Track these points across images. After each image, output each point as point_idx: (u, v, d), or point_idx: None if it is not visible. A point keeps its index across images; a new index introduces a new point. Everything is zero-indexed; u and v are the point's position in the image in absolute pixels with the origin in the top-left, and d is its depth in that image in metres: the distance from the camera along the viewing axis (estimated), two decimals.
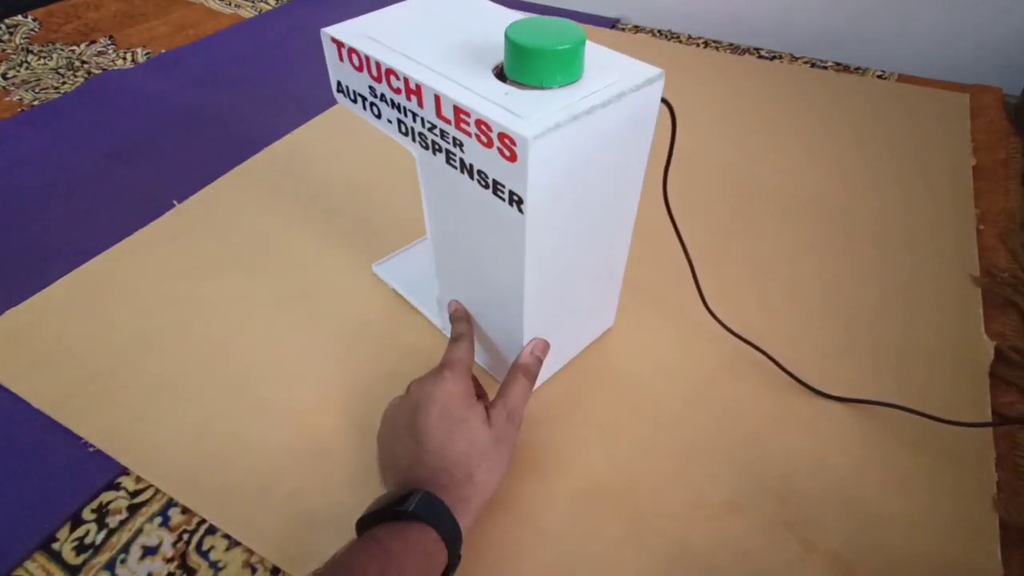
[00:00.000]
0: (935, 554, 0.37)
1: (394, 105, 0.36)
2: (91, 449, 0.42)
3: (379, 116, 0.38)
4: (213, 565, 0.37)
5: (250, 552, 0.37)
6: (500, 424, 0.37)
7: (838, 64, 0.87)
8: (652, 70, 0.33)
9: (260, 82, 0.85)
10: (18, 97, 0.80)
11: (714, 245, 0.57)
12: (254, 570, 0.37)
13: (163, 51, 0.92)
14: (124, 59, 0.90)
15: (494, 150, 0.30)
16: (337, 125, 0.75)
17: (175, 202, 0.63)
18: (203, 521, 0.39)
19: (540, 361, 0.41)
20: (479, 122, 0.30)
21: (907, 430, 0.43)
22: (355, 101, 0.39)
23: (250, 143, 0.71)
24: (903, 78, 0.83)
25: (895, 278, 0.55)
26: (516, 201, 0.31)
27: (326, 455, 0.41)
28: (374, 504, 0.33)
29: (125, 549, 0.38)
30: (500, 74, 0.33)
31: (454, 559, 0.32)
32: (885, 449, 0.42)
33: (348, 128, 0.74)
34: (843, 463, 0.41)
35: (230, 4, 1.06)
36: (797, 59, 0.89)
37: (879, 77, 0.84)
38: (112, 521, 0.39)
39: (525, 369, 0.40)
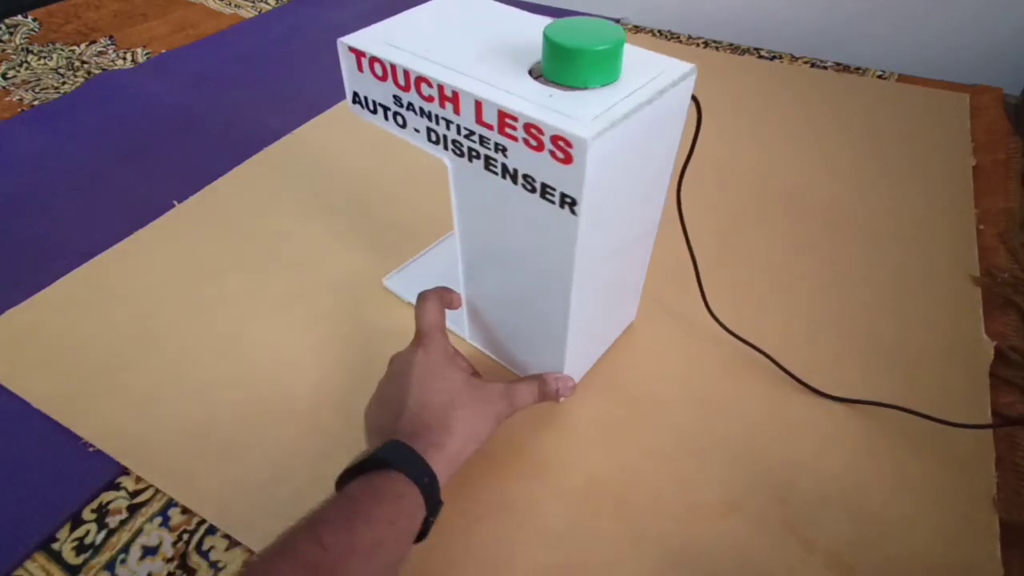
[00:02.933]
0: (935, 554, 0.37)
1: (424, 114, 0.35)
2: (91, 449, 0.42)
3: (404, 126, 0.37)
4: (213, 565, 0.37)
5: (250, 552, 0.37)
6: (493, 393, 0.38)
7: (838, 64, 0.87)
8: (684, 66, 0.34)
9: (260, 82, 0.85)
10: (18, 97, 0.80)
11: (713, 245, 0.57)
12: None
13: (163, 51, 0.92)
14: (124, 59, 0.90)
15: (544, 153, 0.30)
16: (338, 125, 0.75)
17: (175, 202, 0.63)
18: (203, 521, 0.39)
19: (558, 393, 0.42)
20: (529, 126, 0.30)
21: (907, 430, 0.43)
22: (375, 112, 0.38)
23: (250, 143, 0.71)
24: (903, 78, 0.83)
25: (895, 278, 0.55)
26: (568, 203, 0.31)
27: (327, 455, 0.41)
28: (350, 463, 0.33)
29: (125, 549, 0.38)
30: (535, 76, 0.33)
31: (433, 503, 0.32)
32: (885, 449, 0.42)
33: (349, 128, 0.74)
34: (843, 464, 0.41)
35: (230, 4, 1.06)
36: (797, 59, 0.89)
37: (879, 77, 0.84)
38: (112, 521, 0.39)
39: (545, 388, 0.41)
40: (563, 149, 0.29)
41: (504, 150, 0.32)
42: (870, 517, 0.39)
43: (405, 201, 0.62)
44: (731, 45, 0.92)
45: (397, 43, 0.35)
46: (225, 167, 0.67)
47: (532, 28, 0.36)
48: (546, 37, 0.31)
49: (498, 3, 0.40)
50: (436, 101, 0.33)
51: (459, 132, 0.34)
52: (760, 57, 0.89)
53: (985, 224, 0.60)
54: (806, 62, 0.88)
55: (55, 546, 0.38)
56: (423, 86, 0.33)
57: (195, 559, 0.37)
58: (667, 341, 0.49)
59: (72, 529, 0.39)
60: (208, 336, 0.50)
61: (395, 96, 0.36)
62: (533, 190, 0.32)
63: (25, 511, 0.39)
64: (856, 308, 0.52)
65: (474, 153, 0.34)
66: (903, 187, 0.65)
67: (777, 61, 0.88)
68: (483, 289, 0.44)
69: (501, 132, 0.31)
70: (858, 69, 0.86)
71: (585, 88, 0.31)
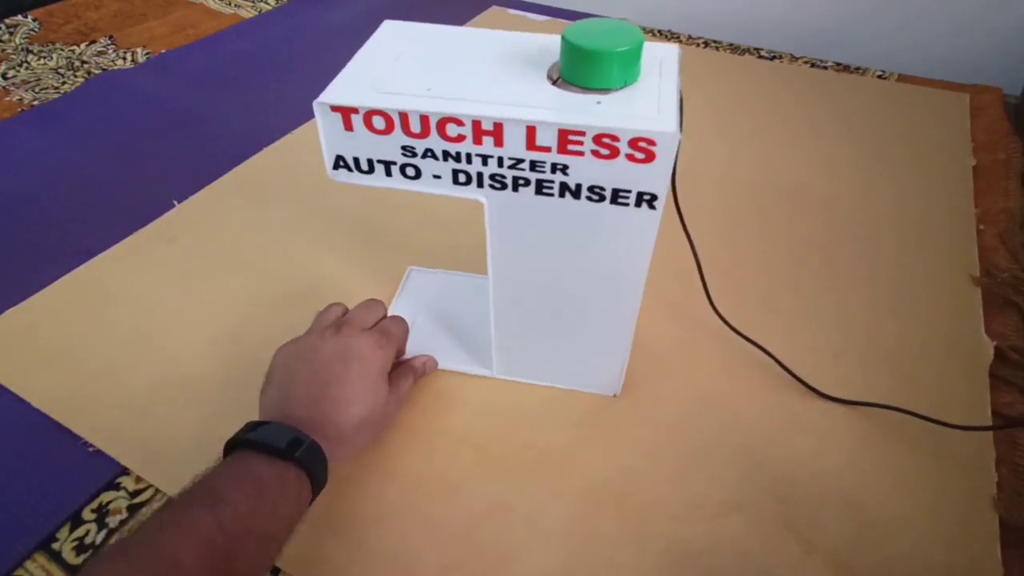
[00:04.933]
0: (935, 554, 0.37)
1: (449, 157, 0.32)
2: (91, 449, 0.42)
3: (418, 176, 0.34)
4: None
5: None
6: (392, 409, 0.40)
7: (838, 64, 0.87)
8: (671, 48, 0.35)
9: (260, 82, 0.84)
10: (18, 97, 0.80)
11: (713, 245, 0.56)
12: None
13: (163, 51, 0.91)
14: (124, 59, 0.90)
15: (619, 159, 0.30)
16: None
17: (175, 202, 0.63)
18: None
19: (422, 372, 0.45)
20: (600, 136, 0.29)
21: (907, 430, 0.43)
22: (371, 171, 0.34)
23: (250, 143, 0.71)
24: (903, 78, 0.83)
25: (895, 278, 0.55)
26: (647, 200, 0.31)
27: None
28: (250, 427, 0.34)
29: None
30: (554, 84, 0.32)
31: (310, 504, 0.34)
32: (885, 449, 0.42)
33: None
34: (843, 464, 0.41)
35: (230, 4, 1.06)
36: (797, 59, 0.89)
37: (879, 77, 0.84)
38: (112, 521, 0.39)
39: (416, 372, 0.44)
40: (644, 149, 0.29)
41: (564, 168, 0.31)
42: (870, 517, 0.39)
43: (405, 201, 0.62)
44: (731, 45, 0.92)
45: (391, 88, 0.32)
46: (225, 167, 0.67)
47: (506, 42, 0.36)
48: (579, 46, 0.30)
49: (444, 26, 0.38)
50: (468, 139, 0.31)
51: (500, 164, 0.32)
52: (760, 57, 0.89)
53: (985, 224, 0.60)
54: (806, 62, 0.88)
55: (55, 546, 0.38)
56: (449, 127, 0.31)
57: None
58: (667, 340, 0.49)
59: (72, 529, 0.39)
60: (208, 336, 0.50)
61: (405, 147, 0.32)
62: (601, 199, 0.32)
63: (25, 511, 0.39)
64: (856, 308, 0.52)
65: (521, 181, 0.32)
66: (903, 187, 0.65)
67: (777, 61, 0.88)
68: (525, 319, 0.41)
69: (561, 151, 0.30)
70: (858, 69, 0.86)
71: (619, 88, 0.31)
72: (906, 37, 0.89)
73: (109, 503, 0.40)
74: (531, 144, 0.30)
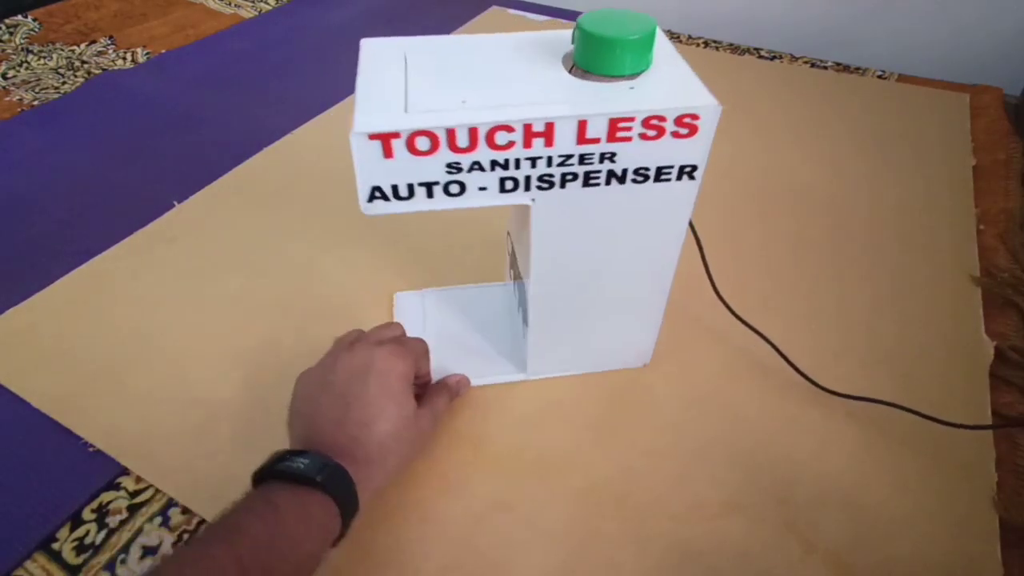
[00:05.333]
0: (935, 554, 0.37)
1: (496, 166, 0.31)
2: (91, 449, 0.42)
3: (462, 192, 0.32)
4: None
5: None
6: (424, 424, 0.38)
7: (838, 64, 0.87)
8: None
9: (260, 82, 0.84)
10: (18, 97, 0.80)
11: (713, 245, 0.56)
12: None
13: (163, 51, 0.91)
14: (124, 59, 0.90)
15: (665, 138, 0.31)
16: (338, 125, 0.75)
17: (175, 202, 0.63)
18: (203, 521, 0.39)
19: (459, 392, 0.44)
20: (649, 119, 0.30)
21: (907, 430, 0.43)
22: (410, 197, 0.32)
23: (250, 143, 0.71)
24: (903, 78, 0.83)
25: (895, 278, 0.55)
26: (688, 172, 0.33)
27: None
28: (276, 457, 0.32)
29: (125, 549, 0.38)
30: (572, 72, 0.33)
31: (344, 530, 0.32)
32: (885, 450, 0.42)
33: (348, 128, 0.73)
34: (843, 464, 0.41)
35: (230, 4, 1.06)
36: (797, 59, 0.89)
37: (879, 77, 0.84)
38: (112, 521, 0.39)
39: (451, 391, 0.42)
40: (688, 125, 0.31)
41: (612, 156, 0.32)
42: (870, 517, 0.39)
43: None
44: (731, 45, 0.92)
45: (426, 106, 0.31)
46: (225, 167, 0.67)
47: (501, 44, 0.36)
48: (606, 36, 0.31)
49: (426, 37, 0.37)
50: (518, 144, 0.31)
51: (549, 164, 0.32)
52: (760, 57, 0.89)
53: (985, 224, 0.60)
54: (806, 62, 0.88)
55: (55, 546, 0.38)
56: (498, 135, 0.30)
57: None
58: (667, 341, 0.49)
59: (72, 529, 0.39)
60: (208, 336, 0.50)
61: (450, 165, 0.31)
62: (645, 179, 0.33)
63: (25, 511, 0.39)
64: (856, 308, 0.52)
65: (569, 177, 0.33)
66: (903, 187, 0.65)
67: (777, 61, 0.88)
68: (564, 312, 0.41)
69: (610, 140, 0.31)
70: (858, 69, 0.86)
71: (637, 74, 0.32)
72: (906, 37, 0.89)
73: (109, 503, 0.40)
74: (581, 138, 0.31)
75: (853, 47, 0.91)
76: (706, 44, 0.92)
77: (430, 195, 0.32)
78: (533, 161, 0.31)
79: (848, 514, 0.39)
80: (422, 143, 0.30)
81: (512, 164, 0.31)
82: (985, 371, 0.47)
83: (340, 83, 0.81)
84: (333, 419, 0.34)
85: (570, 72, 0.33)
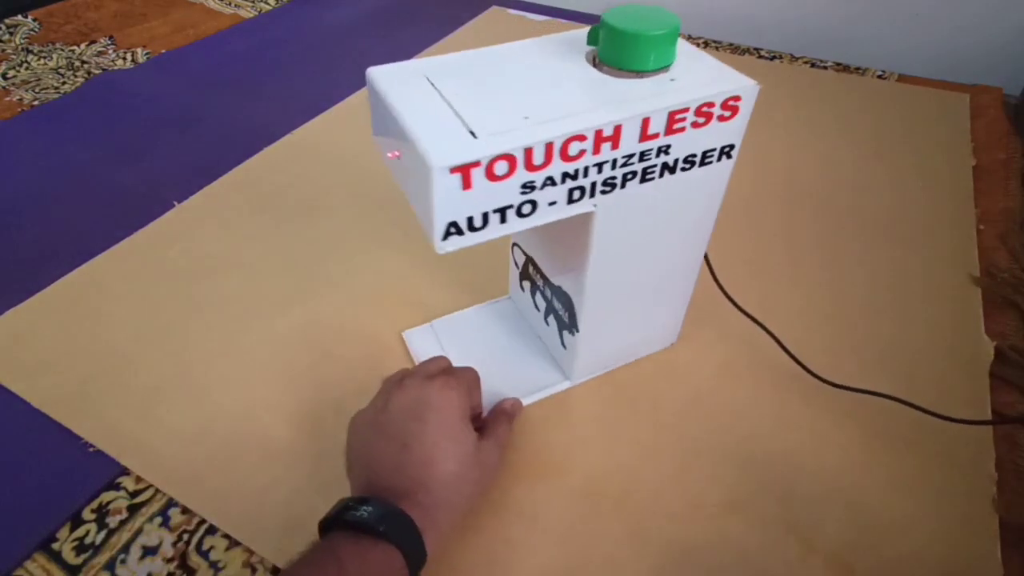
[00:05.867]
0: (935, 554, 0.37)
1: (567, 177, 0.31)
2: (91, 449, 0.42)
3: (533, 210, 0.31)
4: (213, 565, 0.37)
5: (250, 552, 0.37)
6: (489, 457, 0.36)
7: (838, 64, 0.87)
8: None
9: (260, 82, 0.85)
10: (18, 97, 0.80)
11: (712, 244, 0.57)
12: (254, 570, 0.37)
13: (163, 51, 0.92)
14: (124, 59, 0.90)
15: (712, 123, 0.33)
16: (337, 125, 0.75)
17: (175, 202, 0.63)
18: (203, 521, 0.39)
19: (515, 414, 0.42)
20: (701, 108, 0.32)
21: (908, 430, 0.43)
22: (484, 226, 0.30)
23: (250, 143, 0.71)
24: (903, 78, 0.83)
25: (895, 278, 0.55)
26: (726, 152, 0.35)
27: (326, 455, 0.41)
28: (340, 506, 0.31)
29: (125, 549, 0.38)
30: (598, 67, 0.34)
31: None
32: (885, 449, 0.42)
33: (348, 128, 0.74)
34: (843, 464, 0.41)
35: (230, 4, 1.06)
36: (797, 59, 0.89)
37: (879, 77, 0.84)
38: (112, 521, 0.39)
39: (509, 416, 0.41)
40: (731, 107, 0.32)
41: (667, 149, 0.33)
42: (870, 517, 0.39)
43: (406, 200, 0.62)
44: (731, 45, 0.92)
45: (492, 129, 0.29)
46: (225, 167, 0.67)
47: (519, 53, 0.35)
48: (642, 33, 0.31)
49: (434, 57, 0.35)
50: (588, 152, 0.30)
51: (613, 166, 0.32)
52: (760, 57, 0.89)
53: (985, 224, 0.60)
54: (806, 62, 0.88)
55: (55, 546, 0.38)
56: (572, 145, 0.29)
57: (195, 559, 0.37)
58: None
59: (72, 529, 0.39)
60: (208, 336, 0.50)
61: (525, 185, 0.30)
62: (692, 165, 0.34)
63: (25, 511, 0.39)
64: (855, 307, 0.52)
65: (630, 176, 0.33)
66: (903, 187, 0.65)
67: (777, 61, 0.88)
68: (612, 309, 0.41)
69: (668, 133, 0.32)
70: (858, 69, 0.86)
71: (673, 63, 0.33)
72: (906, 37, 0.88)
73: (109, 503, 0.40)
74: (643, 135, 0.31)
75: (853, 47, 0.91)
76: (706, 44, 0.92)
77: (503, 220, 0.31)
78: (600, 167, 0.31)
79: (848, 514, 0.39)
80: (500, 168, 0.28)
81: (581, 173, 0.31)
82: (985, 371, 0.47)
83: (340, 83, 0.81)
84: (392, 463, 0.33)
85: (601, 72, 0.33)
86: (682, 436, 0.43)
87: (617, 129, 0.30)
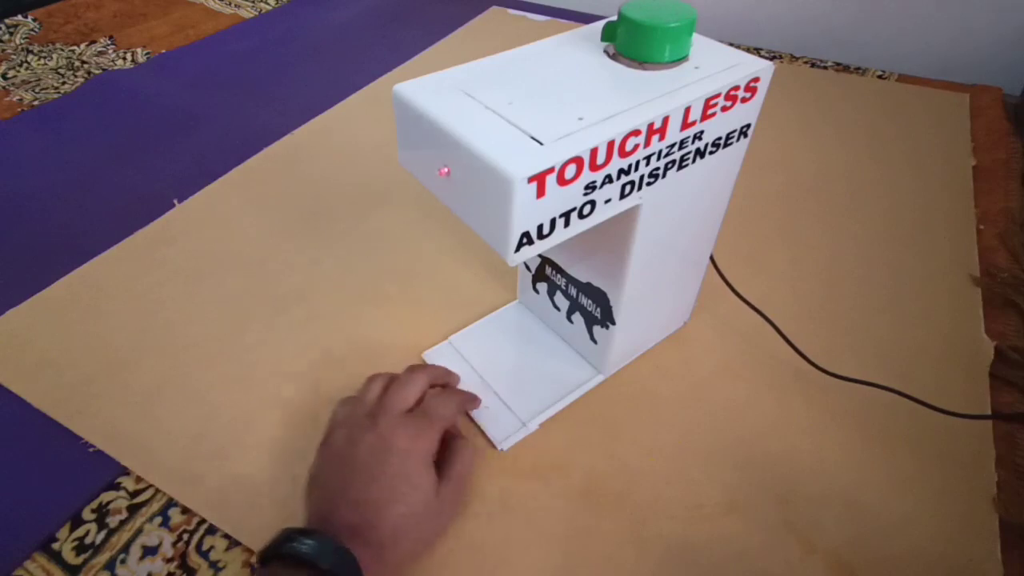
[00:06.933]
0: (935, 554, 0.37)
1: (622, 174, 0.31)
2: (91, 449, 0.42)
3: (592, 210, 0.31)
4: (213, 565, 0.37)
5: (250, 552, 0.37)
6: (448, 497, 0.36)
7: (838, 64, 0.87)
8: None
9: (260, 82, 0.85)
10: (18, 97, 0.80)
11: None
12: (254, 570, 0.37)
13: (163, 51, 0.92)
14: (124, 59, 0.90)
15: (737, 104, 0.34)
16: (337, 126, 0.75)
17: (175, 202, 0.63)
18: (203, 521, 0.39)
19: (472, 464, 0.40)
20: (729, 92, 0.33)
21: (908, 430, 0.43)
22: (551, 232, 0.30)
23: (250, 143, 0.71)
24: (903, 78, 0.83)
25: (895, 278, 0.55)
26: (743, 131, 0.37)
27: None
28: (282, 536, 0.31)
29: (125, 549, 0.38)
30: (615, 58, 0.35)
31: None
32: (885, 449, 0.42)
33: (348, 129, 0.74)
34: (843, 463, 0.41)
35: (230, 4, 1.06)
36: (797, 59, 0.89)
37: (879, 77, 0.84)
38: (112, 521, 0.39)
39: (467, 441, 0.40)
40: (752, 88, 0.34)
41: (700, 135, 0.34)
42: (870, 517, 0.39)
43: (406, 201, 0.62)
44: (731, 45, 0.92)
45: (555, 134, 0.29)
46: (225, 167, 0.67)
47: (540, 55, 0.35)
48: (668, 26, 0.32)
49: (460, 67, 0.34)
50: (641, 146, 0.31)
51: (659, 157, 0.32)
52: (760, 57, 0.89)
53: (985, 224, 0.60)
54: (806, 62, 0.88)
55: (55, 546, 0.38)
56: (629, 141, 0.30)
57: (195, 559, 0.37)
58: (668, 341, 0.49)
59: (72, 529, 0.39)
60: (208, 336, 0.50)
61: (587, 186, 0.30)
62: (717, 147, 0.36)
63: (25, 511, 0.39)
64: (855, 307, 0.52)
65: (671, 165, 0.33)
66: (903, 187, 0.65)
67: (777, 61, 0.88)
68: (643, 298, 0.42)
69: (703, 119, 0.33)
70: (858, 69, 0.86)
71: (684, 58, 0.34)
72: (906, 37, 0.88)
73: (109, 503, 0.40)
74: (685, 124, 0.32)
75: (853, 47, 0.91)
76: None
77: (567, 224, 0.31)
78: (648, 159, 0.32)
79: (848, 514, 0.39)
80: (570, 171, 0.28)
81: (633, 168, 0.31)
82: (985, 371, 0.47)
83: (340, 83, 0.81)
84: (349, 498, 0.33)
85: (626, 66, 0.34)
86: (682, 435, 0.43)
87: (666, 120, 0.31)
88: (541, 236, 0.30)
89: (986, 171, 0.66)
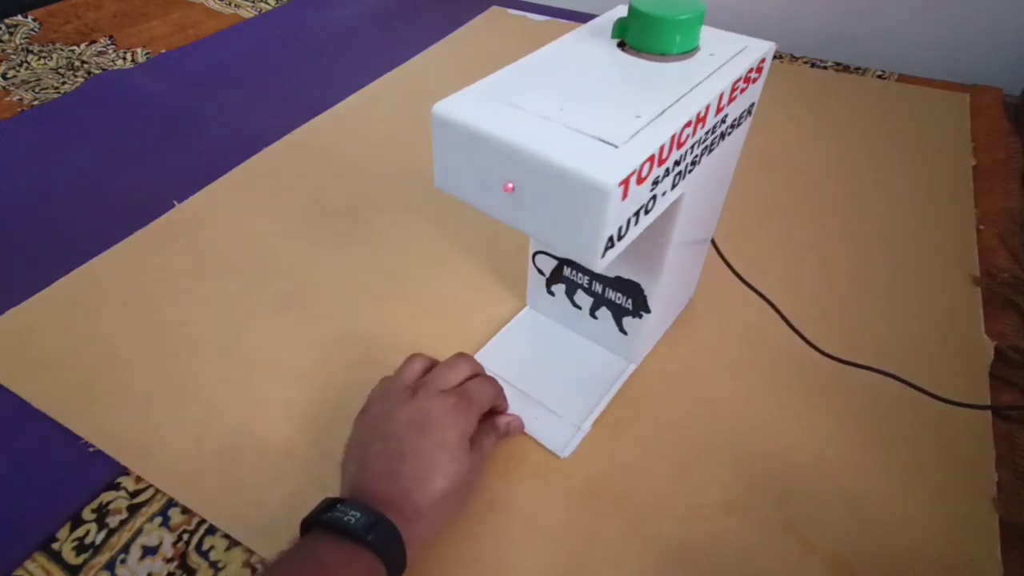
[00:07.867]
0: (935, 554, 0.37)
1: (676, 165, 0.31)
2: (91, 449, 0.42)
3: (653, 206, 0.31)
4: (213, 565, 0.37)
5: (250, 552, 0.37)
6: (476, 469, 0.36)
7: (838, 64, 0.87)
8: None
9: (260, 82, 0.85)
10: (18, 97, 0.80)
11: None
12: (254, 570, 0.37)
13: (163, 51, 0.92)
14: (124, 59, 0.90)
15: (751, 85, 0.36)
16: (337, 125, 0.75)
17: (175, 202, 0.63)
18: (203, 521, 0.39)
19: (508, 432, 0.41)
20: (748, 74, 0.35)
21: (908, 429, 0.43)
22: (627, 233, 0.30)
23: (250, 143, 0.71)
24: (903, 78, 0.83)
25: (895, 278, 0.55)
26: (749, 111, 0.38)
27: (326, 455, 0.41)
28: (324, 506, 0.31)
29: (125, 549, 0.38)
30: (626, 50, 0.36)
31: None
32: (886, 449, 0.42)
33: (348, 129, 0.74)
34: (843, 463, 0.41)
35: (230, 4, 1.06)
36: (797, 59, 0.89)
37: (879, 77, 0.84)
38: (112, 521, 0.39)
39: (499, 431, 0.40)
40: (760, 68, 0.36)
41: (725, 118, 0.35)
42: (870, 516, 0.39)
43: (407, 201, 0.62)
44: None
45: (621, 136, 0.28)
46: (225, 167, 0.67)
47: (563, 56, 0.36)
48: (682, 19, 0.33)
49: (495, 76, 0.34)
50: (690, 136, 0.31)
51: (701, 143, 0.33)
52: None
53: (985, 224, 0.60)
54: (806, 62, 0.88)
55: (55, 546, 0.38)
56: (685, 133, 0.30)
57: (195, 559, 0.37)
58: (665, 341, 0.49)
59: (72, 529, 0.39)
60: (208, 336, 0.50)
61: (654, 182, 0.30)
62: (733, 129, 0.37)
63: (25, 511, 0.39)
64: (854, 307, 0.52)
65: (704, 150, 0.35)
66: (903, 187, 0.65)
67: (777, 61, 0.88)
68: (673, 288, 0.44)
69: (730, 101, 0.34)
70: (858, 69, 0.86)
71: (694, 50, 0.36)
72: (906, 37, 0.88)
73: (109, 503, 0.40)
74: (719, 108, 0.33)
75: (853, 47, 0.91)
76: None
77: (637, 222, 0.31)
78: (692, 148, 0.33)
79: (848, 513, 0.39)
80: (645, 170, 0.28)
81: (683, 158, 0.32)
82: (985, 371, 0.47)
83: (340, 83, 0.81)
84: (387, 470, 0.33)
85: (647, 60, 0.35)
86: (682, 435, 0.43)
87: (707, 108, 0.32)
88: (620, 238, 0.30)
89: (986, 171, 0.66)
